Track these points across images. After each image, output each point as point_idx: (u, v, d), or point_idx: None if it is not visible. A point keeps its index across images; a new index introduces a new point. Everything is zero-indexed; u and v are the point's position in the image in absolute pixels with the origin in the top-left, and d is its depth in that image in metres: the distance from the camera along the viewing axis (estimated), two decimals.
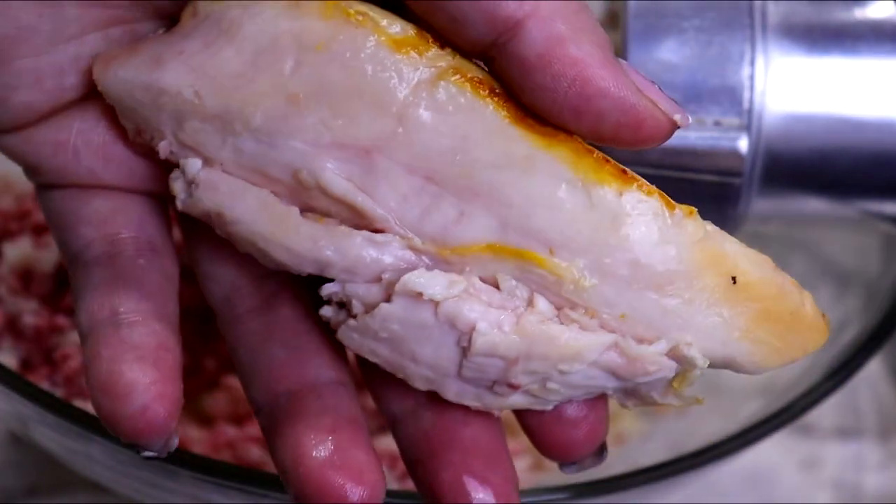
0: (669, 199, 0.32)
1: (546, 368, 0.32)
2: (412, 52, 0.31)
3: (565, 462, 0.36)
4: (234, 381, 0.54)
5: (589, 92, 0.30)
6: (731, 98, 0.43)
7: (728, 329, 0.32)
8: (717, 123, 0.43)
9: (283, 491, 0.42)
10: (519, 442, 0.49)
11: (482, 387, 0.33)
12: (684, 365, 0.33)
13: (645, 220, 0.31)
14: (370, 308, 0.32)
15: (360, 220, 0.32)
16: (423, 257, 0.32)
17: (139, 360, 0.32)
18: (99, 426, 0.42)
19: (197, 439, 0.51)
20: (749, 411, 0.55)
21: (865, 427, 0.65)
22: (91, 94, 0.34)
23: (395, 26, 0.31)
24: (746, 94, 0.43)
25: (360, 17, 0.31)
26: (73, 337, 0.52)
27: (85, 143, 0.35)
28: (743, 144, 0.43)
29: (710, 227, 0.32)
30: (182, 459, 0.42)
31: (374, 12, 0.31)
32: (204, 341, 0.55)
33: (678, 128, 0.31)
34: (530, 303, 0.32)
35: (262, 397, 0.35)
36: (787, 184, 0.45)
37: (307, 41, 0.31)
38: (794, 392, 0.52)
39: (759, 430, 0.50)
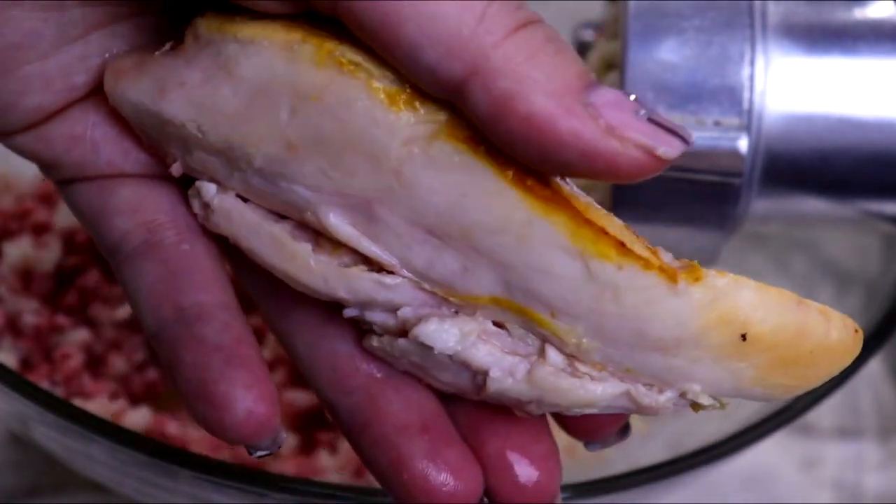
0: (671, 268, 0.30)
1: (559, 409, 0.32)
2: (405, 108, 0.30)
3: (590, 441, 0.36)
4: None
5: (547, 146, 0.28)
6: (731, 98, 0.43)
7: (737, 379, 0.32)
8: (716, 123, 0.43)
9: (280, 490, 0.42)
10: None
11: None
12: (696, 402, 0.32)
13: (646, 296, 0.30)
14: (390, 332, 0.32)
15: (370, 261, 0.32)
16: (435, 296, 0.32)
17: (227, 365, 0.31)
18: (99, 425, 0.42)
19: (196, 438, 0.51)
20: (749, 411, 0.55)
21: (865, 427, 0.65)
22: (102, 88, 0.34)
23: (389, 78, 0.30)
24: (746, 94, 0.43)
25: (353, 68, 0.30)
26: (73, 336, 0.52)
27: (102, 134, 0.34)
28: (743, 144, 0.43)
29: (721, 281, 0.31)
30: (182, 458, 0.42)
31: (368, 62, 0.30)
32: None
33: (670, 160, 0.29)
34: (542, 353, 0.31)
35: (334, 394, 0.34)
36: (787, 184, 0.45)
37: (302, 89, 0.30)
38: None
39: (759, 430, 0.50)
